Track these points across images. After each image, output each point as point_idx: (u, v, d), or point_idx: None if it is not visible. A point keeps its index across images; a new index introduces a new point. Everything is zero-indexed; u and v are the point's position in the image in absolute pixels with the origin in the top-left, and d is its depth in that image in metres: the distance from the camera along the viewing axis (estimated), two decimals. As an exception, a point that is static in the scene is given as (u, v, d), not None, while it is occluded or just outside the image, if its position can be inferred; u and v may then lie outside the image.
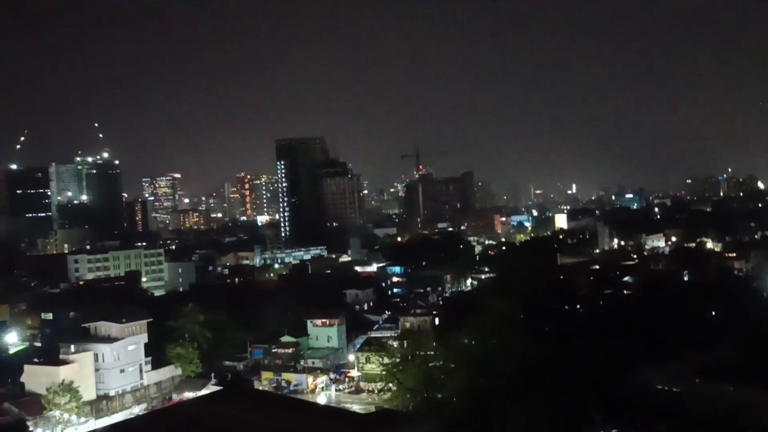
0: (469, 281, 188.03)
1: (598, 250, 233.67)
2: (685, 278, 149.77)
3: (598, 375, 65.12)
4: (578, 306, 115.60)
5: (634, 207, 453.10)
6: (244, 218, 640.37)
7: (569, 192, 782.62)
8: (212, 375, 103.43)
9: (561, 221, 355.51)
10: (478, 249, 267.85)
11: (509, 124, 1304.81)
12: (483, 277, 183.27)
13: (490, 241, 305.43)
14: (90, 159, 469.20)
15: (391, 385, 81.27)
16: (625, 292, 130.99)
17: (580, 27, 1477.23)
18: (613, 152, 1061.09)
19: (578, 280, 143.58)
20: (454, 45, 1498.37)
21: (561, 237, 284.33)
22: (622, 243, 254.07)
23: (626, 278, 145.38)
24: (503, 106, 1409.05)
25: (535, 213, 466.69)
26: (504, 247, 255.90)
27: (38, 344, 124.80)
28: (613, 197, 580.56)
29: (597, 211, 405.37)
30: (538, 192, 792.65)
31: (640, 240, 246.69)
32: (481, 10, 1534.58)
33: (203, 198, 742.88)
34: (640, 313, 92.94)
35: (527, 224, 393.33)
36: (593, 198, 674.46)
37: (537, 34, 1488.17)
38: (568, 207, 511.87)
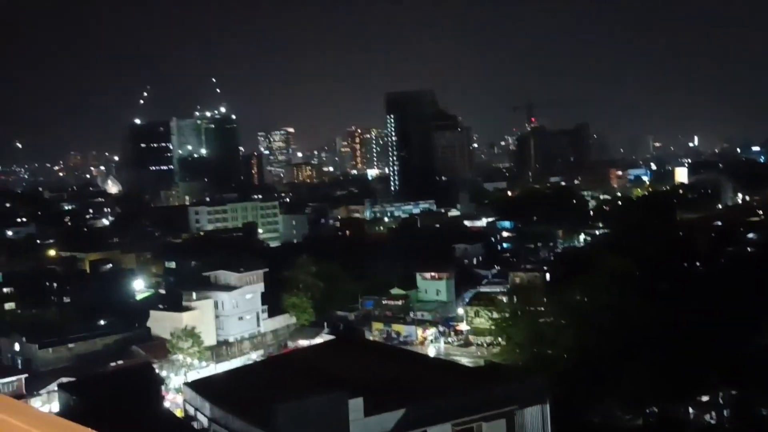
0: (582, 237, 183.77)
1: (720, 206, 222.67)
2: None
3: (717, 336, 62.57)
4: (698, 264, 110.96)
5: (761, 160, 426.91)
6: (354, 172, 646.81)
7: (691, 144, 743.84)
8: (325, 324, 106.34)
9: (681, 175, 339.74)
10: (592, 204, 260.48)
11: (626, 73, 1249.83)
12: (597, 233, 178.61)
13: (605, 196, 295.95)
14: (208, 114, 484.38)
15: (500, 339, 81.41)
16: (749, 249, 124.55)
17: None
18: (739, 102, 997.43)
19: (698, 237, 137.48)
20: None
21: (681, 192, 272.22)
22: (747, 198, 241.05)
23: (750, 235, 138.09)
24: (620, 54, 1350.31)
25: (653, 166, 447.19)
26: (620, 202, 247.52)
27: (162, 291, 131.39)
28: (738, 150, 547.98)
29: (720, 165, 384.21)
30: (657, 144, 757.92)
31: (766, 195, 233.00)
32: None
33: (315, 152, 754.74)
34: (764, 271, 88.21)
35: (645, 178, 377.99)
36: (716, 151, 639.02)
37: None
38: (689, 160, 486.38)
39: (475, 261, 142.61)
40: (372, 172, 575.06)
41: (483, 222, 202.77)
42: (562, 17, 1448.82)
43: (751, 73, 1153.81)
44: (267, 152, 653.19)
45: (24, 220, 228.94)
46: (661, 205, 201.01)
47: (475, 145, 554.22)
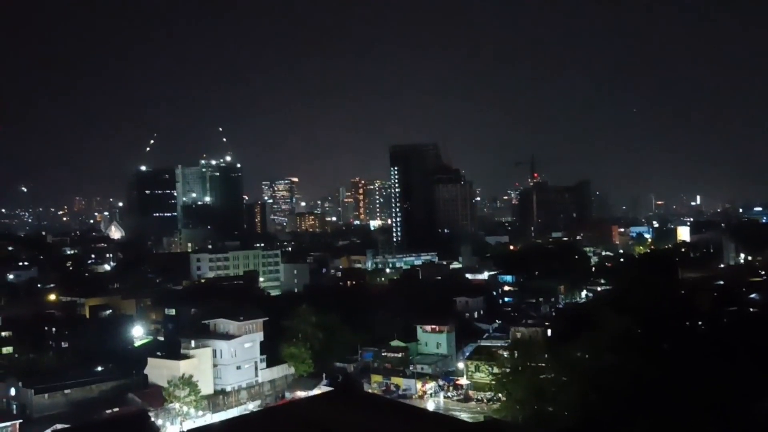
0: (583, 293, 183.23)
1: (722, 266, 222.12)
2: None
3: (720, 398, 61.81)
4: (700, 323, 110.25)
5: (763, 221, 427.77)
6: (357, 222, 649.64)
7: (693, 204, 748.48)
8: (323, 375, 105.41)
9: (684, 234, 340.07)
10: (594, 260, 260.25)
11: (629, 132, 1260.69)
12: (599, 289, 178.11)
13: (607, 253, 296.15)
14: (214, 162, 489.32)
15: (500, 395, 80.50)
16: (751, 310, 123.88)
17: (702, 34, 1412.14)
18: (741, 164, 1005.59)
19: (700, 296, 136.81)
20: (571, 50, 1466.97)
21: (683, 250, 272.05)
22: (749, 258, 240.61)
23: (753, 295, 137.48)
24: (623, 114, 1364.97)
25: (655, 224, 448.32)
26: (622, 259, 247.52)
27: (161, 338, 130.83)
28: (740, 210, 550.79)
29: (722, 224, 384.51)
30: (659, 203, 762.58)
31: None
32: (600, 15, 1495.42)
33: (319, 201, 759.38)
34: (767, 332, 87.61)
35: (647, 236, 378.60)
36: (719, 210, 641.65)
37: (659, 41, 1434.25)
38: (692, 219, 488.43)
39: (476, 314, 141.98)
40: (374, 223, 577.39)
41: (485, 275, 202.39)
42: (566, 76, 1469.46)
43: (753, 135, 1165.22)
44: (270, 201, 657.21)
45: (26, 263, 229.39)
46: (664, 263, 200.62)
47: (478, 198, 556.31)
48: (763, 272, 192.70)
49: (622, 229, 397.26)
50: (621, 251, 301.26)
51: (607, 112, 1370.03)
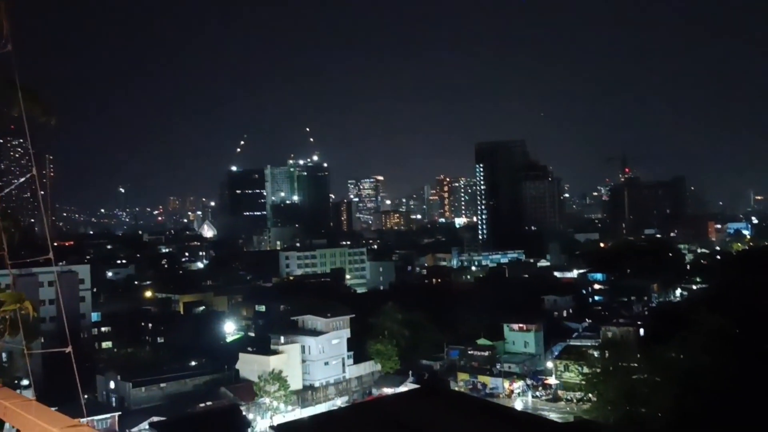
0: (678, 292, 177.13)
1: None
2: None
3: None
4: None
5: None
6: (442, 220, 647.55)
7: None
8: (410, 373, 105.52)
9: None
10: (689, 258, 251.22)
11: (726, 125, 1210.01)
12: (694, 288, 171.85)
13: (703, 250, 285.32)
14: (301, 162, 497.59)
15: (590, 395, 78.74)
16: None
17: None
18: None
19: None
20: (664, 40, 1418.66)
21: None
22: None
23: None
24: (719, 105, 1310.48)
25: (754, 220, 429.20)
26: (718, 257, 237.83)
27: (252, 334, 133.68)
28: None
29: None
30: (758, 198, 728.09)
31: None
32: (699, 7, 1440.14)
33: (404, 200, 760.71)
34: None
35: (746, 232, 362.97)
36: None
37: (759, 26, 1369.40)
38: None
39: (564, 313, 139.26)
40: (460, 221, 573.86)
41: (574, 273, 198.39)
42: (660, 67, 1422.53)
43: None
44: (356, 200, 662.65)
45: (124, 261, 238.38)
46: (764, 260, 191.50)
47: (566, 195, 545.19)
48: None
49: (719, 226, 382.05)
50: (717, 248, 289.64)
51: (702, 106, 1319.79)
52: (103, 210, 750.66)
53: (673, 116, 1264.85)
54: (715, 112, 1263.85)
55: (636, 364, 75.87)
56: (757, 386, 61.69)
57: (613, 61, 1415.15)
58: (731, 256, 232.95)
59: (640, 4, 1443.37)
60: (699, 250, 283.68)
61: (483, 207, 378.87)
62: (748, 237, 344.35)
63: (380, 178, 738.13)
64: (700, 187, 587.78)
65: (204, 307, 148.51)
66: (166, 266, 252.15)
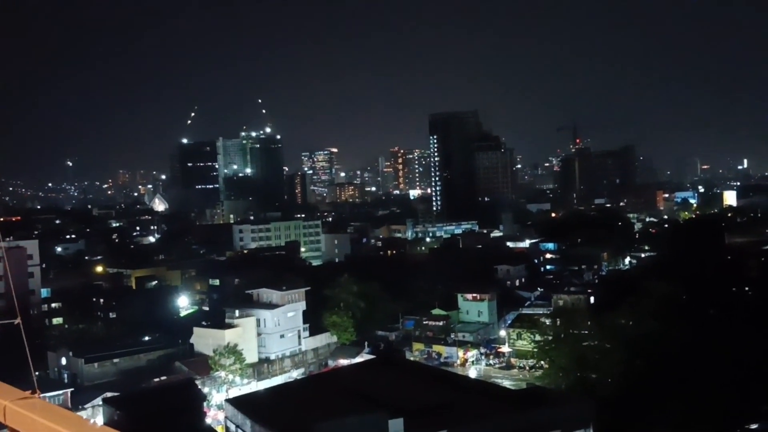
0: (627, 260, 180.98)
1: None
2: None
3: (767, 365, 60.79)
4: (747, 289, 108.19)
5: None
6: (397, 192, 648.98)
7: (740, 167, 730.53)
8: (365, 344, 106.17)
9: (730, 198, 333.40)
10: (637, 226, 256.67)
11: (674, 96, 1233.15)
12: (643, 256, 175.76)
13: (651, 219, 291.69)
14: (254, 134, 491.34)
15: (542, 362, 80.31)
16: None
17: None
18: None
19: (748, 262, 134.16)
20: (614, 10, 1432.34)
21: (730, 215, 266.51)
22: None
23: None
24: (668, 77, 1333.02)
25: (701, 189, 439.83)
26: (666, 225, 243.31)
27: (206, 308, 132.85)
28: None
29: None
30: (704, 167, 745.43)
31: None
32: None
33: (358, 172, 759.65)
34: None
35: (692, 201, 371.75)
36: (767, 174, 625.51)
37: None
38: (738, 183, 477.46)
39: (517, 283, 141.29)
40: (414, 192, 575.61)
41: (526, 243, 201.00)
42: (607, 40, 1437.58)
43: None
44: (310, 172, 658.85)
45: (73, 236, 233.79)
46: (709, 228, 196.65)
47: (519, 166, 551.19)
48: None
49: (667, 195, 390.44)
50: (665, 217, 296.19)
51: (650, 75, 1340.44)
52: (50, 184, 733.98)
53: (623, 87, 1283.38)
54: (664, 83, 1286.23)
55: (586, 331, 77.42)
56: (702, 350, 63.65)
57: (564, 32, 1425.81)
58: (678, 224, 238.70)
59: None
60: (647, 219, 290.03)
61: (437, 178, 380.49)
62: (695, 206, 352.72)
63: (334, 150, 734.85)
64: (648, 156, 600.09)
65: (157, 281, 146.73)
66: (117, 241, 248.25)
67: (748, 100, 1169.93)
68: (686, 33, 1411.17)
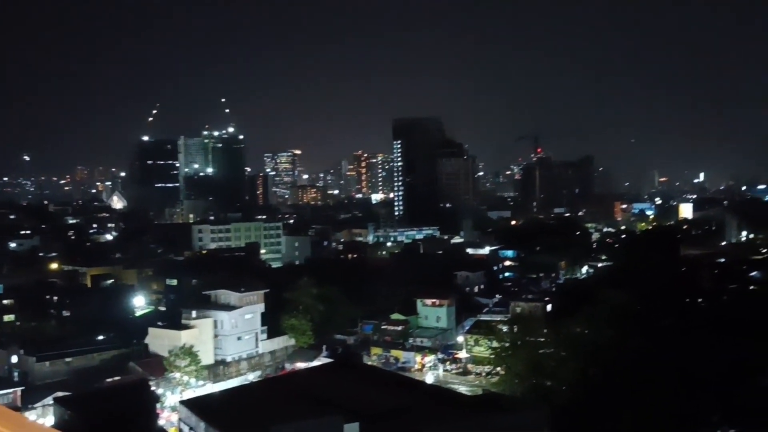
0: (584, 269, 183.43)
1: (724, 243, 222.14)
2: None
3: (719, 375, 62.01)
4: (700, 300, 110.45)
5: (766, 199, 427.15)
6: (359, 196, 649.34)
7: (696, 181, 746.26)
8: (323, 347, 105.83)
9: (686, 211, 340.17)
10: (595, 236, 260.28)
11: (634, 108, 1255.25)
12: (600, 265, 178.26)
13: (609, 229, 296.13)
14: (216, 133, 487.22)
15: (499, 368, 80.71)
16: (751, 287, 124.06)
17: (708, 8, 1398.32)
18: (746, 140, 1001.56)
19: (701, 273, 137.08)
20: (576, 25, 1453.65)
21: (685, 227, 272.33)
22: (752, 236, 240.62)
23: (754, 273, 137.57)
24: (628, 89, 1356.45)
25: (658, 201, 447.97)
26: (623, 236, 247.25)
27: (162, 308, 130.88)
28: (744, 188, 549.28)
29: (725, 202, 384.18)
30: (662, 179, 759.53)
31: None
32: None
33: (321, 174, 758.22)
34: (767, 310, 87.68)
35: (649, 212, 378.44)
36: (722, 188, 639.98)
37: (664, 16, 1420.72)
38: (695, 196, 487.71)
39: (476, 289, 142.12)
40: (377, 197, 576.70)
41: (486, 250, 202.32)
42: (572, 50, 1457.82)
43: (759, 112, 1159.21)
44: (273, 173, 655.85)
45: (28, 232, 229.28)
46: (665, 240, 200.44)
47: (480, 173, 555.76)
48: (765, 250, 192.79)
49: (625, 206, 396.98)
50: (623, 227, 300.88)
51: (611, 88, 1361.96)
52: (5, 179, 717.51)
53: (585, 99, 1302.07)
54: (624, 97, 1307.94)
55: (543, 339, 78.10)
56: (656, 359, 64.72)
57: (527, 43, 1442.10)
58: (635, 235, 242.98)
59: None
60: (605, 229, 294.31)
61: (399, 183, 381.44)
62: (652, 217, 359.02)
63: (297, 152, 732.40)
64: (607, 167, 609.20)
65: (113, 280, 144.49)
66: (73, 238, 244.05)
67: (706, 115, 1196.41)
68: (647, 48, 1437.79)
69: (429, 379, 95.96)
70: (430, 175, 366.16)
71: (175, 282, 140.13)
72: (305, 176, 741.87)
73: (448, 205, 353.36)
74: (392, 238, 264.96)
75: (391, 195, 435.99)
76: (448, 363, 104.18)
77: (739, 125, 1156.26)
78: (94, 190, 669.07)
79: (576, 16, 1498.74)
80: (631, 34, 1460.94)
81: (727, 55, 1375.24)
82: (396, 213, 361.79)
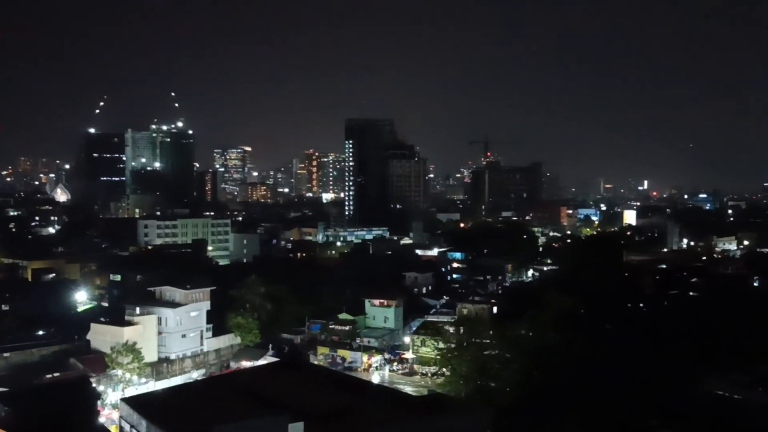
0: (530, 272, 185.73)
1: (666, 250, 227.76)
2: (756, 284, 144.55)
3: (658, 379, 63.61)
4: (642, 305, 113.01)
5: (707, 208, 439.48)
6: (309, 194, 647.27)
7: (640, 188, 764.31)
8: (270, 346, 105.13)
9: (630, 217, 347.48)
10: (542, 240, 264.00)
11: (582, 116, 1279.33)
12: (545, 269, 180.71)
13: (555, 234, 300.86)
14: (165, 127, 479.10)
15: (444, 369, 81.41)
16: (691, 294, 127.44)
17: (663, 25, 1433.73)
18: (689, 151, 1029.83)
19: (644, 279, 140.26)
20: (528, 33, 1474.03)
21: (629, 234, 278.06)
22: (692, 244, 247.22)
23: (693, 280, 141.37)
24: (577, 97, 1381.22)
25: (603, 207, 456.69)
26: (569, 241, 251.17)
27: (105, 304, 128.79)
28: (686, 196, 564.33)
29: (668, 210, 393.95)
30: (607, 186, 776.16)
31: (710, 242, 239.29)
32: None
33: (272, 172, 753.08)
34: (705, 316, 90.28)
35: (594, 218, 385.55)
36: (665, 196, 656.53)
37: (615, 28, 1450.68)
38: (638, 203, 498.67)
39: (424, 290, 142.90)
40: (327, 196, 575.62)
41: (434, 252, 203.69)
42: (523, 56, 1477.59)
43: (701, 122, 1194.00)
44: (222, 169, 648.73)
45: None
46: (609, 245, 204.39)
47: (431, 175, 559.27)
48: (704, 257, 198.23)
49: (571, 211, 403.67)
50: (568, 233, 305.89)
51: (562, 96, 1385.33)
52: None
53: (535, 105, 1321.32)
54: (572, 105, 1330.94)
55: (488, 341, 79.06)
56: (598, 363, 66.10)
57: (479, 49, 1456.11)
58: (580, 240, 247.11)
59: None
60: (551, 234, 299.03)
61: (350, 183, 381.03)
62: (597, 223, 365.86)
63: (248, 149, 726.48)
64: (555, 173, 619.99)
65: (54, 274, 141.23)
66: (13, 230, 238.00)
67: (650, 123, 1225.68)
68: (595, 59, 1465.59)
69: (375, 379, 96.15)
70: (381, 175, 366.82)
71: (119, 277, 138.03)
72: (255, 174, 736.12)
73: (398, 206, 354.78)
74: (342, 238, 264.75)
75: (342, 195, 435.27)
76: (394, 363, 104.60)
77: (682, 135, 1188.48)
78: (37, 182, 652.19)
79: (525, 24, 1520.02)
80: (580, 44, 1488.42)
81: (670, 67, 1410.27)
82: (346, 213, 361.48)
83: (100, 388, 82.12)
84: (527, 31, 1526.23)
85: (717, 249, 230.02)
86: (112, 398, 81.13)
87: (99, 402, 74.56)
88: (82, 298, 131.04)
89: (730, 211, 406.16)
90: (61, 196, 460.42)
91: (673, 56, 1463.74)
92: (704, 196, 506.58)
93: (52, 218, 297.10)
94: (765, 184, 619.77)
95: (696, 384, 65.25)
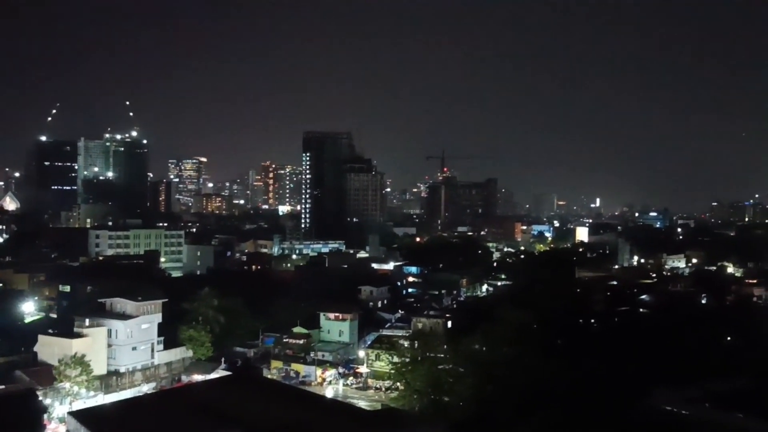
0: (485, 287, 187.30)
1: (617, 267, 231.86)
2: (703, 302, 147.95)
3: (608, 394, 64.51)
4: (593, 321, 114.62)
5: (657, 226, 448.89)
6: (265, 207, 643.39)
7: (593, 206, 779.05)
8: (222, 360, 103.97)
9: (582, 234, 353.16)
10: (496, 255, 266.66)
11: (537, 134, 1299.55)
12: (499, 284, 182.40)
13: (509, 249, 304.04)
14: (118, 136, 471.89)
15: (398, 384, 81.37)
16: (641, 310, 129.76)
17: (617, 44, 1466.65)
18: (640, 170, 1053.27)
19: (595, 295, 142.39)
20: (485, 52, 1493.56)
21: (581, 250, 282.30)
22: (642, 261, 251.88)
23: (643, 297, 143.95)
24: (532, 116, 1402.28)
25: (556, 224, 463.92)
26: (522, 256, 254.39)
27: (54, 315, 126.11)
28: (637, 214, 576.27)
29: (619, 227, 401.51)
30: (561, 203, 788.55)
31: (660, 259, 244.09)
32: (516, 18, 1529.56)
33: (227, 183, 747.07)
34: (654, 333, 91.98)
35: (548, 235, 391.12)
36: (616, 213, 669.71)
37: (571, 49, 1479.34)
38: (591, 221, 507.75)
39: (380, 304, 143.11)
40: (283, 209, 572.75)
41: (390, 266, 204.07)
42: (480, 73, 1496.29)
43: (655, 145, 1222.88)
44: (176, 180, 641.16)
45: None
46: (562, 261, 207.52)
47: (388, 189, 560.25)
48: (654, 275, 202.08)
49: (525, 227, 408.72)
50: (522, 248, 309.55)
51: (517, 114, 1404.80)
52: None
53: (490, 122, 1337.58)
54: (527, 123, 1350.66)
55: (443, 355, 79.36)
56: (550, 377, 66.78)
57: (438, 64, 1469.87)
58: (534, 256, 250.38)
59: (467, 5, 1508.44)
60: (506, 249, 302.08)
61: (307, 196, 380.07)
62: (550, 239, 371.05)
63: (203, 159, 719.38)
64: (510, 189, 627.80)
65: (1, 284, 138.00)
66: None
67: (603, 143, 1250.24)
68: (551, 78, 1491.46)
69: (329, 393, 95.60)
70: (338, 189, 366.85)
71: (68, 288, 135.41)
72: (210, 185, 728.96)
73: (355, 219, 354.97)
74: (298, 251, 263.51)
75: (299, 207, 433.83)
76: (349, 378, 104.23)
77: (634, 154, 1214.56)
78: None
79: (484, 41, 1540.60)
80: (537, 63, 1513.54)
81: (625, 87, 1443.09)
82: (303, 225, 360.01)
83: (47, 401, 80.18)
84: (485, 46, 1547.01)
85: (666, 266, 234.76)
86: (59, 412, 79.26)
87: (45, 416, 72.89)
88: (29, 309, 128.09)
89: (679, 230, 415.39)
90: (10, 204, 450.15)
91: (627, 76, 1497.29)
92: (654, 214, 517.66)
93: (0, 227, 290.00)
94: (713, 204, 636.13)
95: (644, 399, 66.30)
